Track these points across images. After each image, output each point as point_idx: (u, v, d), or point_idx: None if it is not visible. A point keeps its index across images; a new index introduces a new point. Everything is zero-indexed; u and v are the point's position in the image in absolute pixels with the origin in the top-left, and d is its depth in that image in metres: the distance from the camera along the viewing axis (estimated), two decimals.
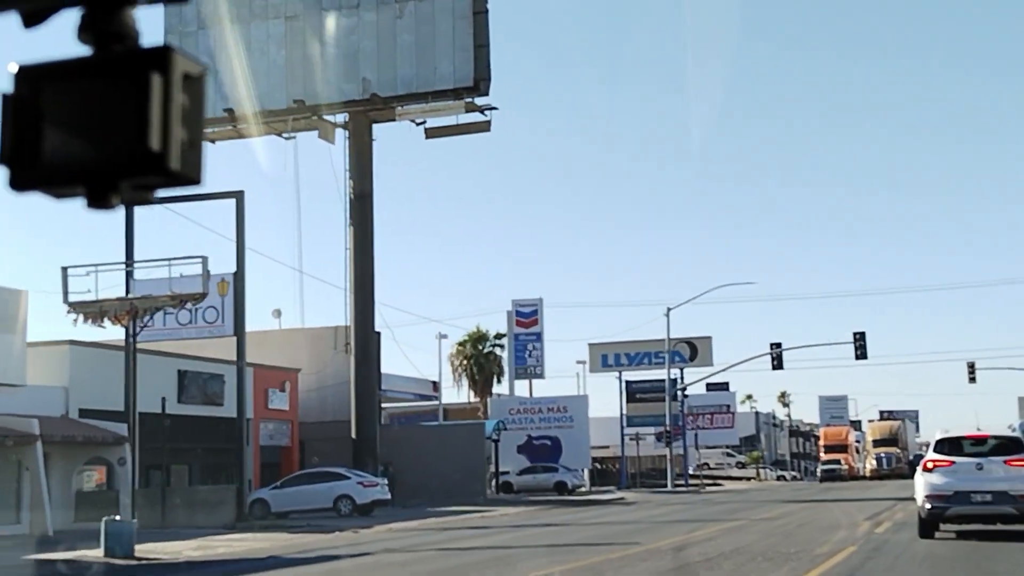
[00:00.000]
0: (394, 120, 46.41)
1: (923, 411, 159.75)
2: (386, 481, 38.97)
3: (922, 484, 19.14)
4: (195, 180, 1.98)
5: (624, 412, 76.00)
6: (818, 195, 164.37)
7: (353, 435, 43.76)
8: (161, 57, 1.94)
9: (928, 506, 18.91)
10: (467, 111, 45.43)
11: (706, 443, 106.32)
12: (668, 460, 79.50)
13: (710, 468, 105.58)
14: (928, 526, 19.36)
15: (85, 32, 2.02)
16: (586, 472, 62.36)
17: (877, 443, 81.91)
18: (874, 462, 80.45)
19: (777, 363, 58.06)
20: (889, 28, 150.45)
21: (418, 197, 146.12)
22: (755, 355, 62.67)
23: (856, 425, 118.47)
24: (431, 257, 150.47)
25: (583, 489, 59.54)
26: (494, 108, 45.50)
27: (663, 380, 77.31)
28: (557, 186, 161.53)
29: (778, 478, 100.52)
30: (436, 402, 60.24)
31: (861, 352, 55.28)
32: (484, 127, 45.80)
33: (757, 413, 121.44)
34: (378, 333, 47.02)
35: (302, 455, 46.80)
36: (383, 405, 54.66)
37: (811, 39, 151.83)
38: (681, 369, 77.16)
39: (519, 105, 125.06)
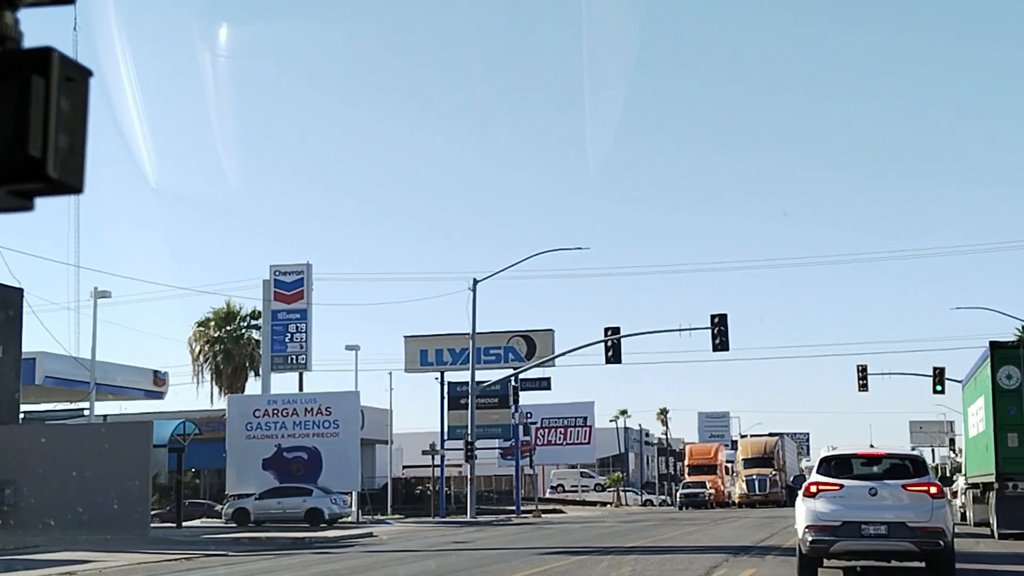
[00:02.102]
0: None
1: (816, 433, 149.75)
2: None
3: (803, 512, 16.24)
4: (76, 188, 1.97)
5: (446, 421, 61.63)
6: (708, 221, 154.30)
7: None
8: (42, 59, 1.94)
9: (810, 539, 16.00)
10: None
11: (563, 461, 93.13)
12: (517, 481, 65.80)
13: (565, 491, 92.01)
14: (809, 564, 16.57)
15: None
16: (353, 496, 47.69)
17: (748, 463, 68.79)
18: (744, 485, 67.47)
19: (613, 354, 44.48)
20: (777, 57, 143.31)
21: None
22: (588, 343, 49.03)
23: (735, 444, 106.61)
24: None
25: (348, 519, 45.06)
26: None
27: (496, 382, 63.40)
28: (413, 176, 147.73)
29: (644, 503, 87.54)
30: (160, 399, 44.39)
31: (722, 341, 42.13)
32: None
33: (627, 429, 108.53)
34: (18, 290, 32.00)
35: None
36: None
37: (706, 68, 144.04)
38: (516, 369, 63.25)
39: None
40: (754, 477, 67.01)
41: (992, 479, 28.29)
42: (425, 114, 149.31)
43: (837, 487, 16.20)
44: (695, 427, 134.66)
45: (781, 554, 21.32)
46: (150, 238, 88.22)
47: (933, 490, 15.98)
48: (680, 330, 43.60)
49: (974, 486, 35.66)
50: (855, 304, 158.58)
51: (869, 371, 56.61)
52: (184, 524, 49.14)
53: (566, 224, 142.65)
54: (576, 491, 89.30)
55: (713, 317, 42.60)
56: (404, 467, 79.69)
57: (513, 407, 63.36)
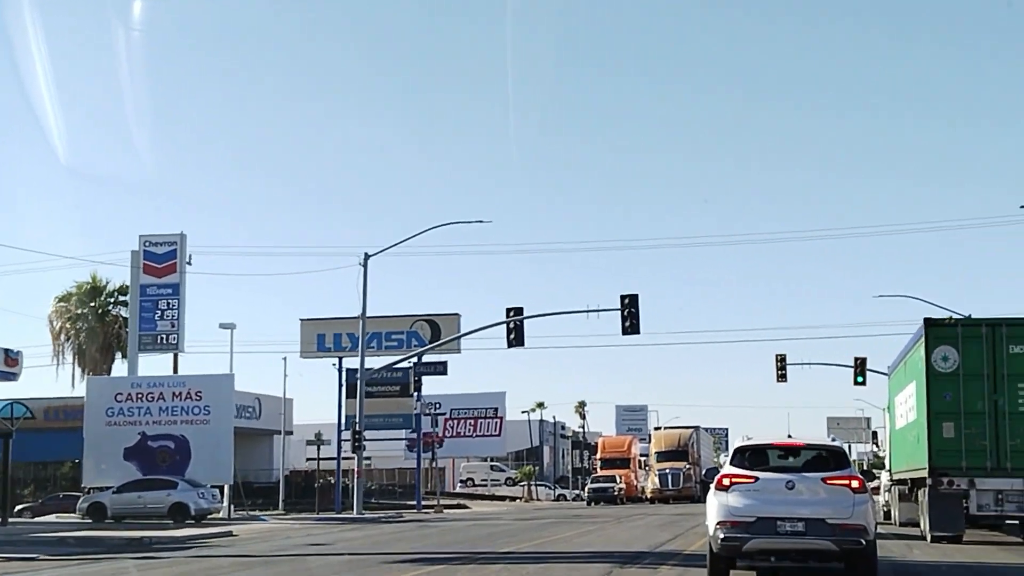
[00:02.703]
0: None
1: (735, 429, 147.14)
2: None
3: (715, 507, 15.03)
4: None
5: (343, 410, 57.40)
6: (628, 206, 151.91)
7: None
8: None
9: (721, 536, 14.77)
10: None
11: (473, 453, 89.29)
12: (418, 474, 61.77)
13: (474, 484, 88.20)
14: (721, 564, 15.35)
15: None
16: (225, 490, 43.25)
17: (661, 456, 65.24)
18: (656, 480, 63.99)
19: (516, 336, 40.67)
20: (696, 46, 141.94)
21: None
22: (489, 324, 45.15)
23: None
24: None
25: (218, 516, 40.68)
26: None
27: (397, 368, 59.33)
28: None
29: (557, 497, 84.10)
30: (13, 380, 39.40)
31: (632, 324, 38.61)
32: None
33: (542, 422, 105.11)
34: None
35: None
36: None
37: (629, 61, 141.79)
38: (419, 356, 59.19)
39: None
40: (667, 471, 63.55)
41: (924, 474, 25.01)
42: (346, 93, 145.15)
43: (752, 480, 15.05)
44: (614, 420, 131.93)
45: (680, 564, 17.69)
46: (58, 213, 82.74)
47: (855, 484, 14.84)
48: (588, 311, 40.01)
49: (901, 482, 32.52)
50: (775, 291, 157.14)
51: (788, 361, 53.66)
52: (37, 519, 44.41)
53: (484, 206, 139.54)
54: (486, 485, 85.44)
55: (623, 298, 39.06)
56: (308, 459, 75.28)
57: (416, 395, 59.38)
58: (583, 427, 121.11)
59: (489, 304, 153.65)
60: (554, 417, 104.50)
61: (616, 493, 60.60)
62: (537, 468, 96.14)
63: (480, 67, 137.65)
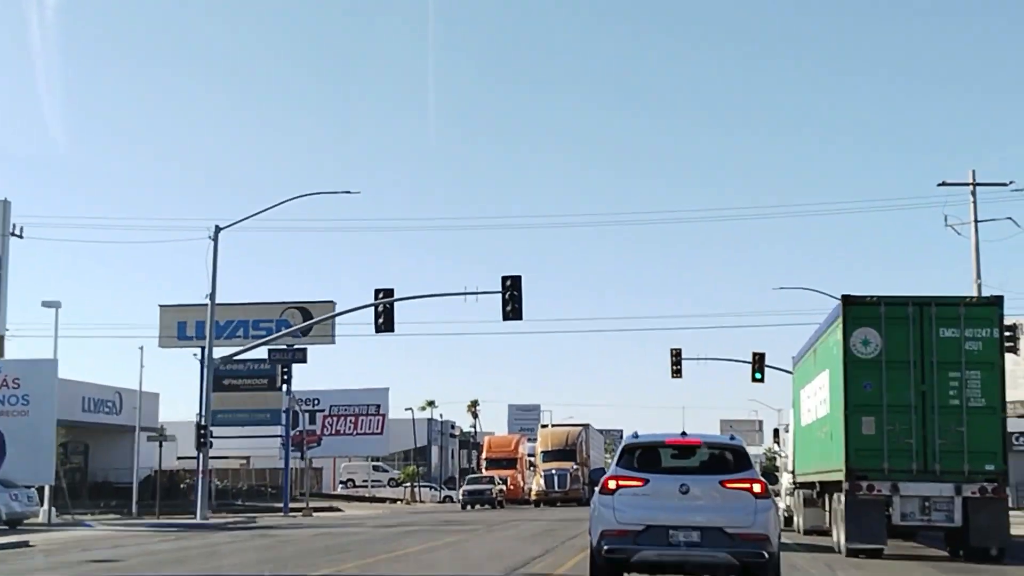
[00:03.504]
0: None
1: (629, 430, 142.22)
2: None
3: (599, 513, 13.50)
4: None
5: (208, 405, 52.17)
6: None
7: None
8: None
9: (606, 547, 13.26)
10: None
11: (355, 453, 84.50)
12: (285, 474, 56.97)
13: (355, 485, 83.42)
14: None
15: None
16: (47, 491, 38.09)
17: (548, 456, 61.04)
18: (542, 481, 59.79)
19: (385, 321, 36.35)
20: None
21: None
22: (356, 307, 40.76)
23: None
24: None
25: (36, 520, 35.57)
26: None
27: (260, 360, 54.59)
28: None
29: (444, 499, 79.83)
30: None
31: (514, 308, 34.71)
32: None
33: (430, 421, 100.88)
34: None
35: None
36: None
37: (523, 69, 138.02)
38: (289, 345, 54.56)
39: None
40: (553, 472, 59.21)
41: (839, 477, 21.47)
42: (254, 80, 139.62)
43: (641, 483, 13.46)
44: (506, 420, 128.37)
45: None
46: None
47: (757, 488, 13.33)
48: (466, 294, 35.98)
49: (806, 486, 29.10)
50: (670, 279, 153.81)
51: (684, 356, 50.36)
52: None
53: (386, 188, 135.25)
54: (367, 486, 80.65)
55: (505, 280, 35.11)
56: (179, 458, 69.86)
57: (285, 388, 54.70)
58: (475, 427, 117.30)
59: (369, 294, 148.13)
60: (441, 415, 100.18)
61: (494, 496, 56.02)
62: (424, 469, 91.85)
63: (389, 59, 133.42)
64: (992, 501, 20.36)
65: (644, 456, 14.02)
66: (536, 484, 60.42)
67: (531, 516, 42.75)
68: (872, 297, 21.62)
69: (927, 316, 21.10)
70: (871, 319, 21.33)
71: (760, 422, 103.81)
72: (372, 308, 37.61)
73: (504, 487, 59.13)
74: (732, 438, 15.46)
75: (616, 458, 14.27)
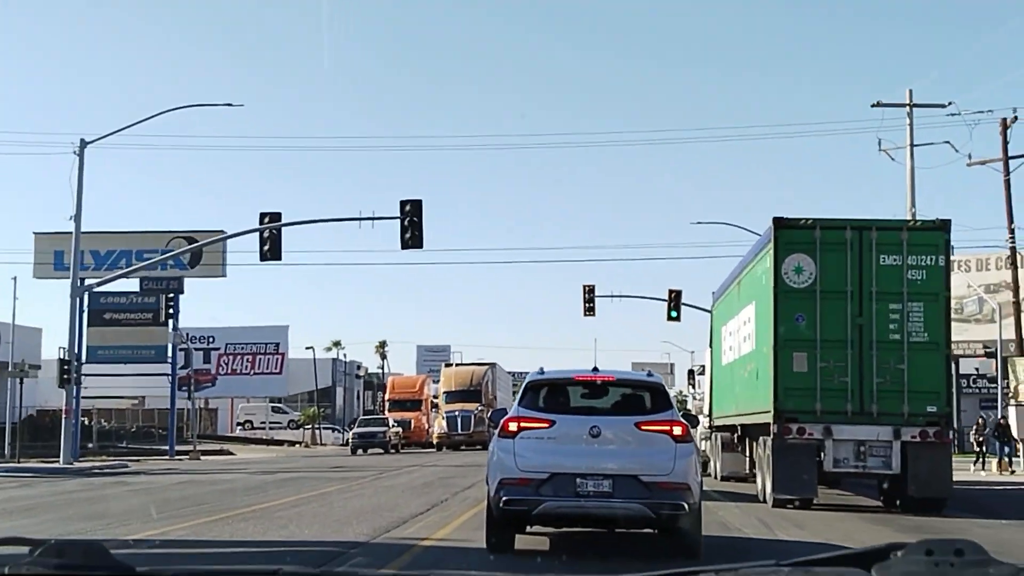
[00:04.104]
0: None
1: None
2: None
3: (498, 459, 11.86)
4: None
5: (84, 340, 48.55)
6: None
7: None
8: None
9: (504, 497, 11.49)
10: None
11: (253, 393, 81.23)
12: (172, 415, 53.64)
13: (253, 427, 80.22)
14: (501, 531, 12.03)
15: None
16: None
17: (451, 396, 57.74)
18: (444, 423, 56.52)
19: (271, 248, 33.24)
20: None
21: None
22: (243, 231, 37.60)
23: None
24: None
25: None
26: None
27: (139, 292, 51.03)
28: None
29: (346, 442, 77.07)
30: None
31: (413, 236, 32.00)
32: None
33: (335, 361, 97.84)
34: None
35: None
36: None
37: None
38: (180, 279, 51.10)
39: None
40: (456, 413, 55.87)
41: (767, 419, 19.31)
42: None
43: (546, 424, 11.96)
44: (415, 361, 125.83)
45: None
46: None
47: (678, 431, 11.87)
48: (361, 219, 33.06)
49: (724, 428, 27.08)
50: (585, 211, 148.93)
51: (598, 293, 48.10)
52: None
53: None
54: (265, 428, 77.47)
55: (404, 204, 32.24)
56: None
57: (171, 324, 51.26)
58: (382, 368, 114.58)
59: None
60: (344, 355, 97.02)
61: (387, 439, 52.77)
62: (327, 410, 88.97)
63: None
64: (933, 446, 18.40)
65: (551, 395, 12.54)
66: (438, 426, 57.26)
67: (430, 461, 40.20)
68: (806, 219, 19.34)
69: (866, 241, 18.93)
70: (805, 244, 19.10)
71: (672, 365, 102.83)
72: (252, 230, 34.54)
73: (400, 429, 56.44)
74: (649, 374, 13.42)
75: (518, 397, 12.68)
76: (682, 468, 11.55)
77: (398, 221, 31.88)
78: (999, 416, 33.40)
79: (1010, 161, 29.51)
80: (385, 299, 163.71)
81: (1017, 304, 29.85)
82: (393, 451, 53.19)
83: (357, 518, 15.44)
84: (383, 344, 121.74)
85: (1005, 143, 30.10)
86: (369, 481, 25.94)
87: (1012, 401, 31.23)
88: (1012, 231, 29.77)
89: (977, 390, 48.57)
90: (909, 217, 31.07)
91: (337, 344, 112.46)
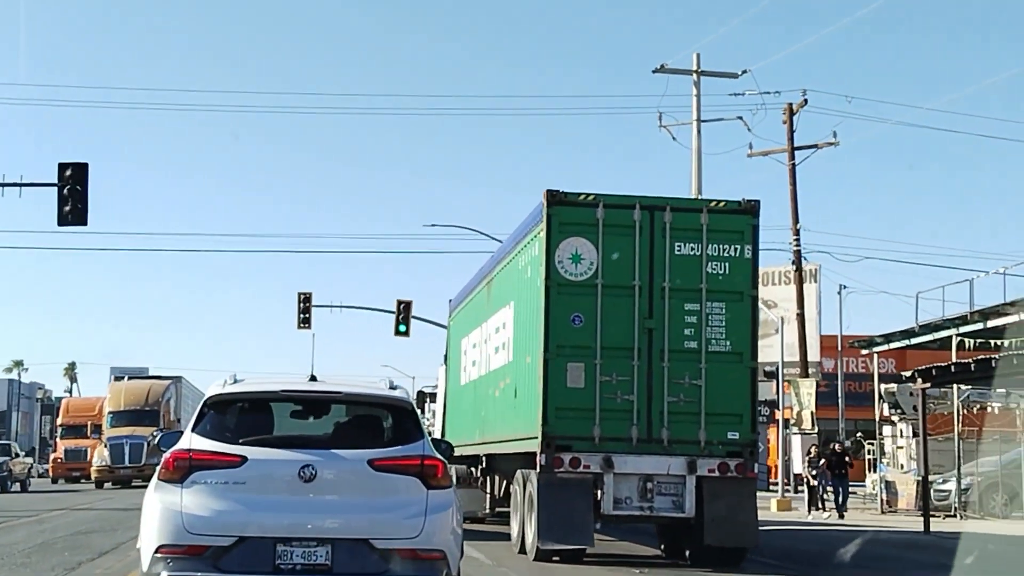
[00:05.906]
0: None
1: None
2: None
3: (158, 514, 8.11)
4: None
5: None
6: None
7: None
8: None
9: (164, 574, 7.99)
10: None
11: None
12: None
13: None
14: None
15: None
16: None
17: (118, 419, 46.16)
18: (106, 453, 44.35)
19: None
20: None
21: None
22: None
23: None
24: None
25: None
26: None
27: None
28: None
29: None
30: None
31: (75, 208, 25.89)
32: None
33: (11, 383, 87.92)
34: None
35: None
36: None
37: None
38: None
39: None
40: (123, 440, 44.31)
41: (531, 447, 15.13)
42: None
43: (234, 461, 8.12)
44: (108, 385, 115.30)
45: None
46: None
47: (431, 472, 8.27)
48: (3, 184, 26.45)
49: (461, 460, 22.72)
50: (298, 208, 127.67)
51: (314, 302, 42.91)
52: None
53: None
54: None
55: (63, 168, 25.64)
56: None
57: None
58: (70, 392, 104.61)
59: None
60: (20, 375, 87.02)
61: (6, 471, 40.23)
62: (2, 438, 78.80)
63: None
64: (735, 482, 14.74)
65: (244, 418, 8.76)
66: (99, 456, 44.97)
67: (78, 502, 30.93)
68: (587, 195, 15.37)
69: (659, 225, 15.20)
70: (585, 226, 15.16)
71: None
72: None
73: (69, 461, 47.48)
74: (393, 387, 9.10)
75: (193, 419, 8.72)
76: (436, 527, 8.21)
77: (55, 189, 25.41)
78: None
79: (796, 152, 26.85)
80: (76, 315, 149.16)
81: (801, 316, 27.40)
82: (17, 489, 41.47)
83: None
84: (72, 366, 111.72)
85: (791, 131, 27.37)
86: None
87: (795, 428, 28.41)
88: (797, 232, 27.17)
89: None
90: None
91: (18, 364, 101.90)
